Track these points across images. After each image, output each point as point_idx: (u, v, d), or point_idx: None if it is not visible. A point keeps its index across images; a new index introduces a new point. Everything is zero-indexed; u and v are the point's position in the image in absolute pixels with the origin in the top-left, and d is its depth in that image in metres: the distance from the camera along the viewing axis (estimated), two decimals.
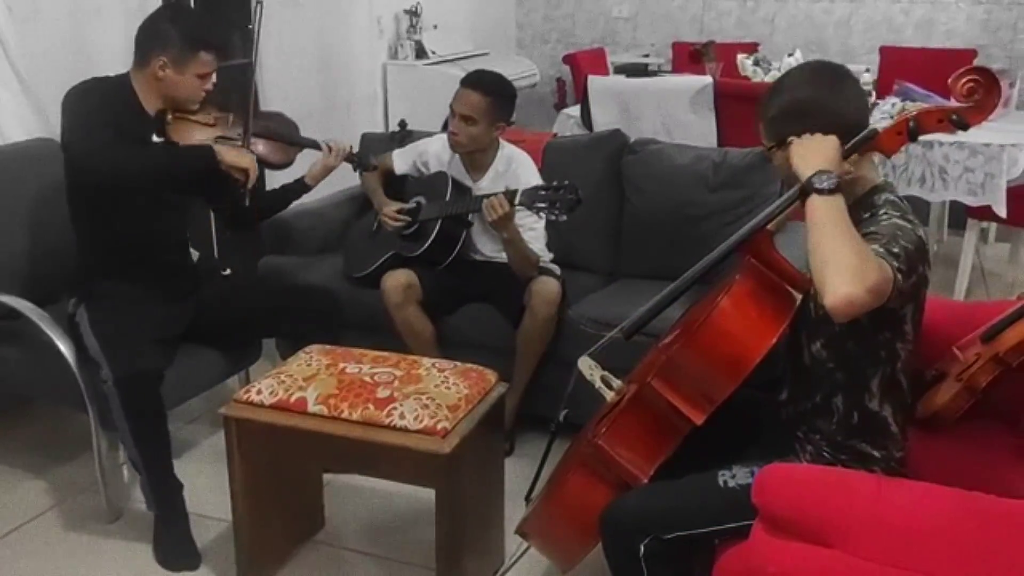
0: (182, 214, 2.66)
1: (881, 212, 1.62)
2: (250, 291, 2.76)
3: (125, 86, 2.42)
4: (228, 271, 2.77)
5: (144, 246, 2.50)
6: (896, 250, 1.52)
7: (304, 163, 2.82)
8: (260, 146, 2.64)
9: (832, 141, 1.60)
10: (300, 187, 2.80)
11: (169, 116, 2.47)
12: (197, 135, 2.50)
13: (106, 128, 2.27)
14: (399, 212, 2.98)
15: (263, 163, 2.65)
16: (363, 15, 4.66)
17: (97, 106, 2.31)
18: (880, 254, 1.49)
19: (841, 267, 1.42)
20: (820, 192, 1.51)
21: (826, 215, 1.49)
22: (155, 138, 2.47)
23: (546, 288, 2.73)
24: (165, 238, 2.57)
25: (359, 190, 3.58)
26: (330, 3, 4.35)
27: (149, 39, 2.40)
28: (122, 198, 2.41)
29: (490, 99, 2.80)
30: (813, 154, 1.58)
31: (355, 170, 2.98)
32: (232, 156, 2.41)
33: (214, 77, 2.46)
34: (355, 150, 2.91)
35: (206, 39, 2.43)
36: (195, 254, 2.94)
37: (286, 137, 2.73)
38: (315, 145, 2.77)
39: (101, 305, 2.41)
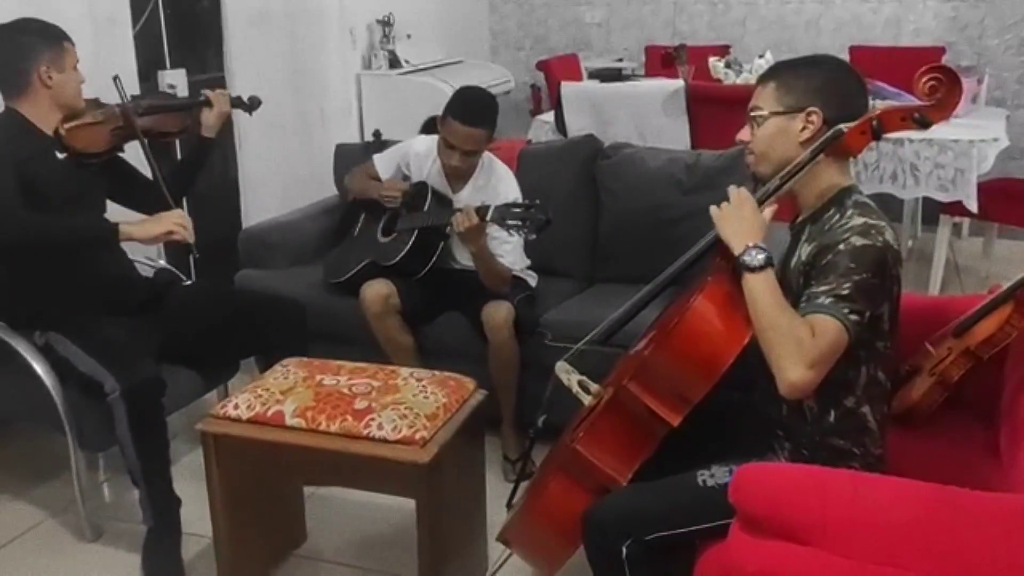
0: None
1: (848, 213, 1.64)
2: (222, 305, 2.73)
3: (15, 117, 2.41)
4: (189, 281, 2.76)
5: (74, 263, 2.44)
6: (847, 291, 1.56)
7: None
8: (149, 121, 2.63)
9: (758, 214, 1.69)
10: (201, 143, 2.75)
11: (62, 130, 2.45)
12: (94, 136, 2.49)
13: (3, 168, 2.27)
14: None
15: (163, 135, 2.68)
16: (335, 26, 4.65)
17: None
18: (827, 307, 1.55)
19: (784, 352, 1.54)
20: (752, 270, 1.61)
21: (759, 294, 1.60)
22: (59, 155, 2.44)
23: (492, 315, 2.69)
24: (97, 254, 2.51)
25: (333, 202, 3.58)
26: (301, 15, 4.34)
27: (19, 58, 2.38)
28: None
29: (490, 129, 2.80)
30: (741, 229, 1.67)
31: (246, 112, 2.89)
32: (145, 232, 2.39)
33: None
34: (244, 98, 2.87)
35: (56, 31, 2.43)
36: (161, 263, 2.93)
37: (169, 105, 2.75)
38: (204, 102, 2.75)
39: (73, 326, 2.39)
